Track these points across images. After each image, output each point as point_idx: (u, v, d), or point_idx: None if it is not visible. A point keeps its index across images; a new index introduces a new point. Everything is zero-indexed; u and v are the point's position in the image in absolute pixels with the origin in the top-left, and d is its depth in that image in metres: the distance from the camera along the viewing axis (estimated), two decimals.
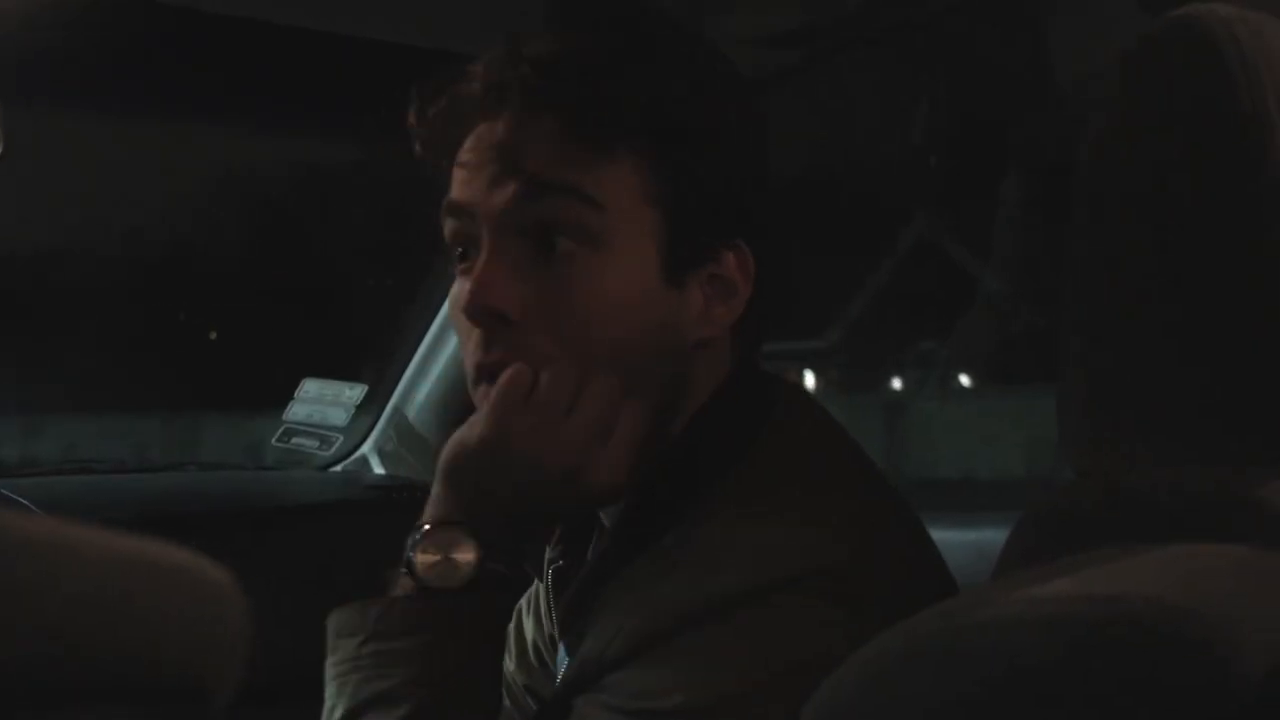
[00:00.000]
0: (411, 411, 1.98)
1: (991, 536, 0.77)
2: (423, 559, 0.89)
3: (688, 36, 0.97)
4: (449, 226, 0.94)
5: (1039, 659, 0.56)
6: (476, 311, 0.89)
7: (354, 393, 1.99)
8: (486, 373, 0.91)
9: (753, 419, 0.93)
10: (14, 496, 1.54)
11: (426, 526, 0.90)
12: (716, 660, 0.81)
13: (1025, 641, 0.57)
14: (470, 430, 0.90)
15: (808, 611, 0.81)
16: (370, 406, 2.01)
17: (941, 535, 0.95)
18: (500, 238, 0.90)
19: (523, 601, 1.14)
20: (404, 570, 0.90)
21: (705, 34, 1.01)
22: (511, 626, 1.11)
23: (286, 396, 2.02)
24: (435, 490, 0.92)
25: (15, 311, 2.50)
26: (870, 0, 1.34)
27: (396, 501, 1.85)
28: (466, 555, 0.89)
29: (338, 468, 2.01)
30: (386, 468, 1.99)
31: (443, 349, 1.95)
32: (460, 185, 0.92)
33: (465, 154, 0.91)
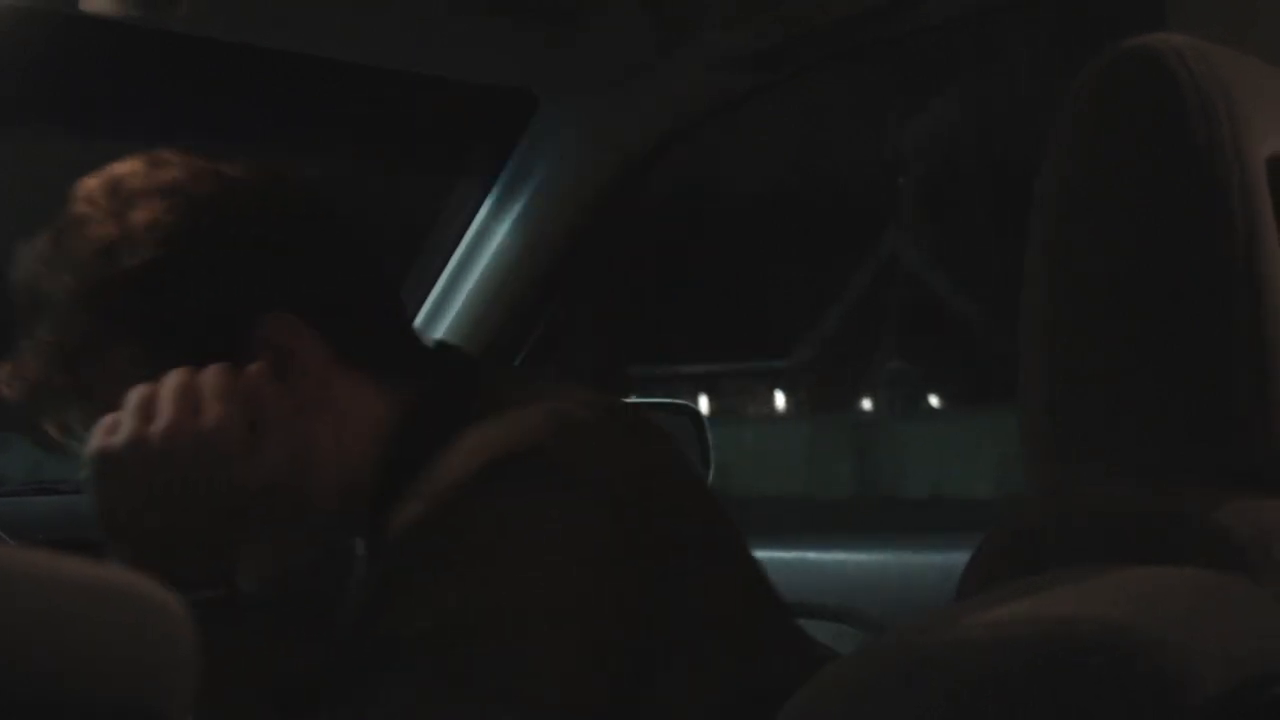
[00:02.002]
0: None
1: (958, 559, 0.77)
2: None
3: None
4: None
5: (999, 680, 0.56)
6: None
7: None
8: None
9: (443, 423, 0.96)
10: None
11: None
12: (450, 574, 0.86)
13: (986, 663, 0.57)
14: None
15: (524, 495, 0.86)
16: None
17: (910, 557, 0.95)
18: None
19: None
20: None
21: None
22: None
23: None
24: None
25: None
26: (845, 19, 1.35)
27: None
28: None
29: None
30: None
31: None
32: None
33: None
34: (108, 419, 0.92)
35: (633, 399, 1.91)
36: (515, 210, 1.77)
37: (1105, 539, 0.66)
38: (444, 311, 1.90)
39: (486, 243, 1.86)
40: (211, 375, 0.92)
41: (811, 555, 1.72)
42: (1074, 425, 0.69)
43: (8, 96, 1.54)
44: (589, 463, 0.89)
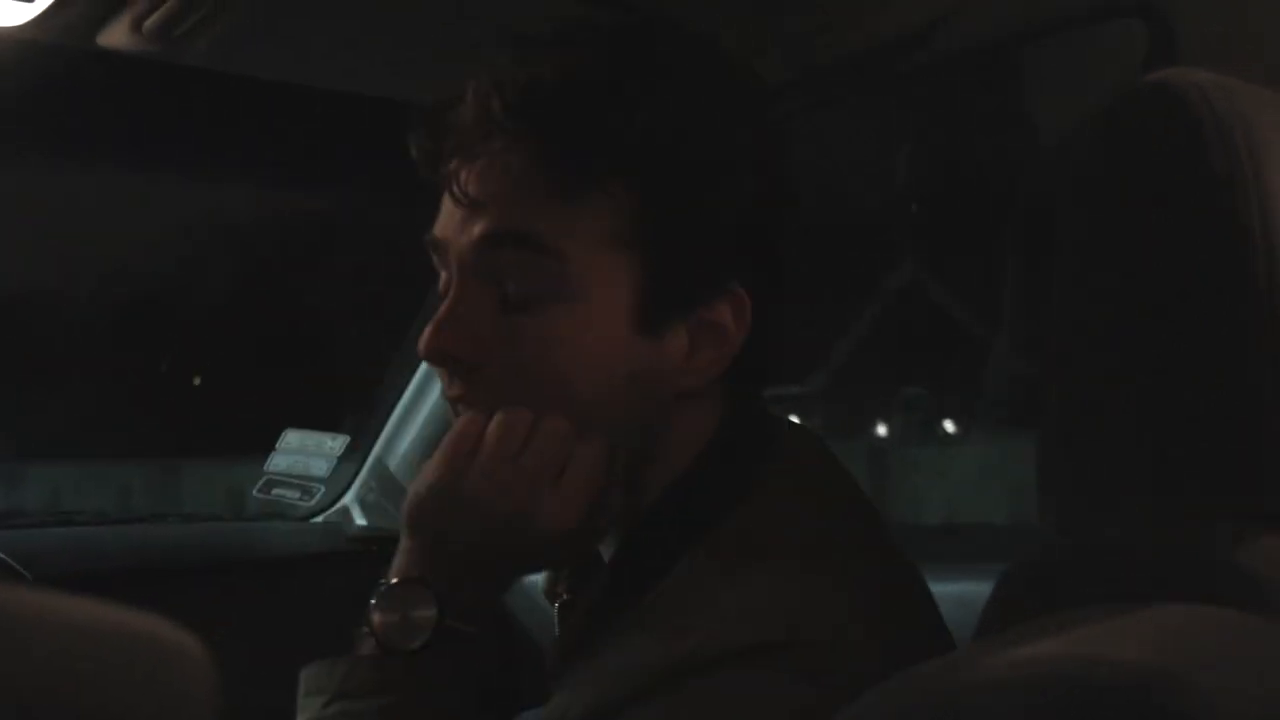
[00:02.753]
0: (393, 462, 1.97)
1: (974, 589, 0.76)
2: (380, 618, 0.87)
3: (694, 52, 0.90)
4: (434, 260, 0.92)
5: None
6: (429, 354, 0.88)
7: (336, 443, 1.98)
8: (456, 408, 0.90)
9: (743, 472, 0.89)
10: None
11: (387, 583, 0.88)
12: None
13: (1010, 704, 0.57)
14: (424, 478, 0.89)
15: (770, 686, 0.77)
16: (352, 457, 2.01)
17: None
18: (466, 279, 0.87)
19: None
20: (365, 629, 0.88)
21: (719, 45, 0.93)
22: None
23: (271, 443, 2.01)
24: (401, 543, 0.90)
25: None
26: (852, 55, 1.35)
27: (378, 553, 1.84)
28: (425, 613, 0.86)
29: (319, 518, 2.00)
30: (368, 518, 1.99)
31: (426, 399, 1.94)
32: (440, 221, 0.90)
33: (449, 189, 0.88)
34: (469, 418, 0.87)
35: None
36: (440, 329, 1.77)
37: (1124, 577, 0.65)
38: None
39: None
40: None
41: None
42: (1091, 463, 0.69)
43: (16, 124, 1.55)
44: (851, 665, 0.77)
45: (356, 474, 2.01)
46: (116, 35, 1.23)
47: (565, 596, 0.97)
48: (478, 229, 0.85)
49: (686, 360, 0.87)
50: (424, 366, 1.93)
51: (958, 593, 1.12)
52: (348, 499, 2.01)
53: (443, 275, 0.91)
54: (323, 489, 1.99)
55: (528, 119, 0.83)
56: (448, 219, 0.88)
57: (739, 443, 0.90)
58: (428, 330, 0.88)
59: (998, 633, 0.65)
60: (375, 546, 1.88)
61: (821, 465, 0.93)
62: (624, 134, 0.84)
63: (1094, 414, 0.69)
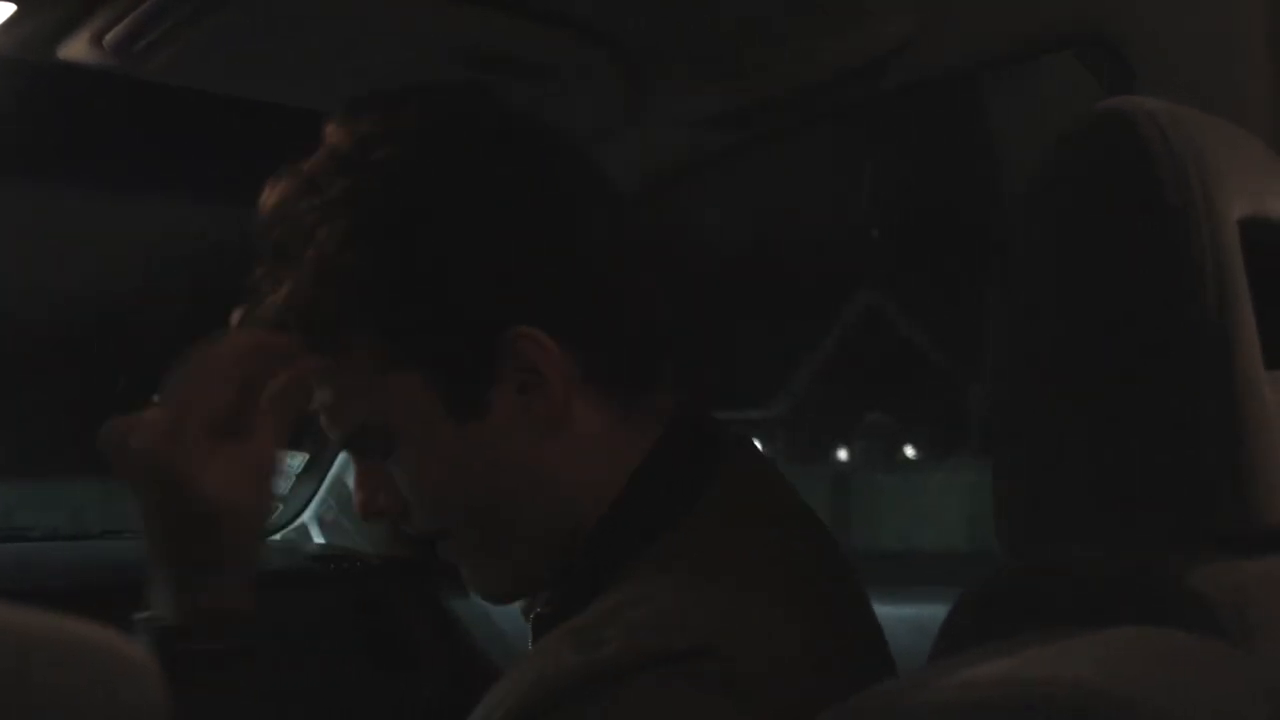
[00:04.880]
0: (351, 480, 1.96)
1: (930, 612, 0.76)
2: None
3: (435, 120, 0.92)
4: None
5: None
6: (367, 518, 0.98)
7: (294, 461, 1.97)
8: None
9: (670, 499, 0.90)
10: None
11: None
12: None
13: None
14: None
15: (685, 696, 0.77)
16: (311, 474, 2.00)
17: (881, 610, 0.94)
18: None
19: None
20: None
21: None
22: None
23: None
24: None
25: None
26: (812, 84, 1.36)
27: (336, 571, 1.83)
28: None
29: (277, 536, 1.99)
30: (327, 537, 1.97)
31: None
32: None
33: None
34: None
35: None
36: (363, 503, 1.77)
37: (1078, 602, 0.66)
38: None
39: None
40: None
41: None
42: (1045, 489, 0.69)
43: None
44: (770, 676, 0.78)
45: (315, 492, 2.00)
46: (77, 49, 1.22)
47: (539, 610, 0.98)
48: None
49: (525, 414, 0.90)
50: None
51: (914, 616, 1.13)
52: (306, 517, 2.00)
53: None
54: (280, 507, 1.97)
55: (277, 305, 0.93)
56: None
57: (662, 472, 0.92)
58: (356, 499, 1.00)
59: (950, 656, 0.66)
60: (333, 565, 1.87)
61: (764, 489, 0.94)
62: (357, 280, 0.89)
63: (1046, 439, 0.69)
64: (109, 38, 1.20)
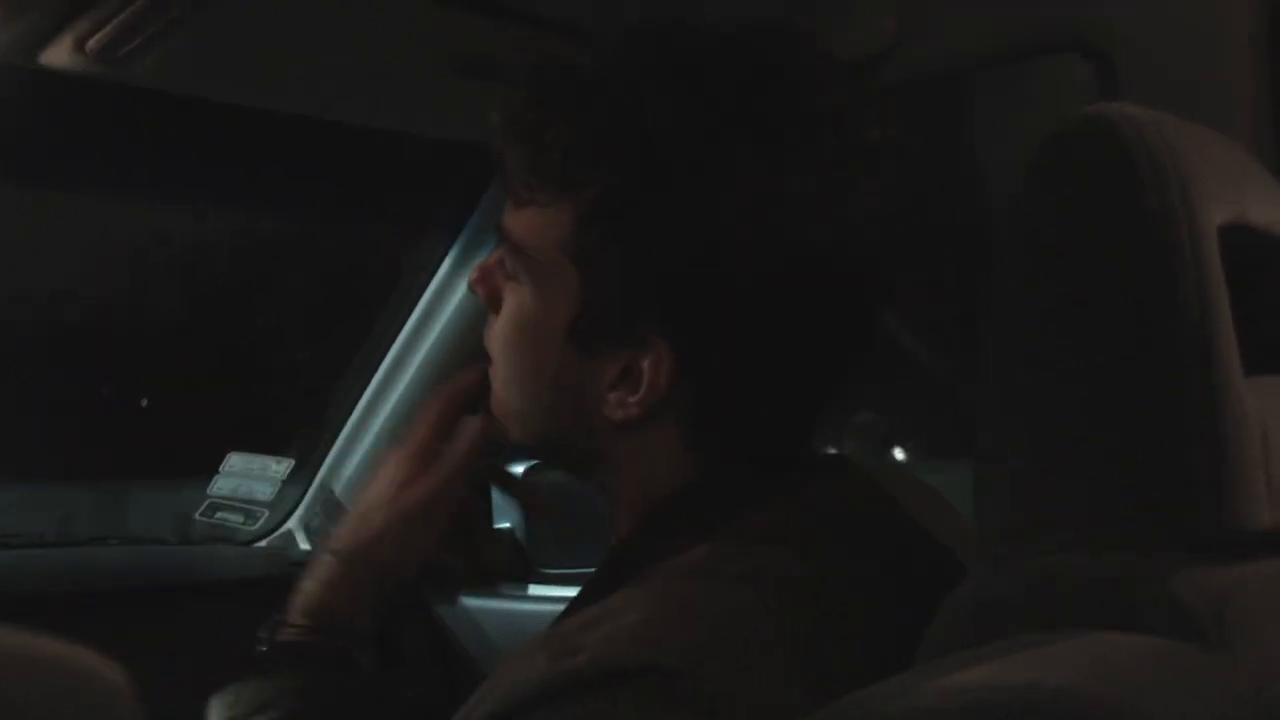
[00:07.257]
0: (338, 486, 1.96)
1: None
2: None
3: (721, 69, 0.87)
4: None
5: None
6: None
7: (280, 467, 1.97)
8: None
9: (696, 522, 0.87)
10: None
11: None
12: None
13: None
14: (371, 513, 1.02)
15: (651, 710, 0.75)
16: (298, 480, 1.99)
17: None
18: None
19: None
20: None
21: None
22: None
23: (216, 467, 1.99)
24: (326, 569, 1.02)
25: None
26: None
27: None
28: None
29: (263, 543, 1.98)
30: (313, 544, 1.97)
31: (372, 422, 1.93)
32: None
33: None
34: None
35: None
36: (478, 264, 1.77)
37: (1060, 606, 0.66)
38: (405, 365, 1.90)
39: (449, 296, 1.85)
40: None
41: None
42: (1028, 493, 0.69)
43: None
44: (740, 701, 0.75)
45: (301, 498, 2.00)
46: (59, 55, 1.22)
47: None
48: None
49: (609, 390, 0.89)
50: (371, 390, 1.93)
51: None
52: (292, 523, 1.99)
53: None
54: (267, 513, 1.97)
55: (513, 132, 0.90)
56: None
57: (694, 499, 0.90)
58: None
59: (935, 660, 0.66)
60: None
61: (819, 522, 0.89)
62: (583, 150, 0.87)
63: (1028, 444, 0.69)
64: (91, 43, 1.20)
